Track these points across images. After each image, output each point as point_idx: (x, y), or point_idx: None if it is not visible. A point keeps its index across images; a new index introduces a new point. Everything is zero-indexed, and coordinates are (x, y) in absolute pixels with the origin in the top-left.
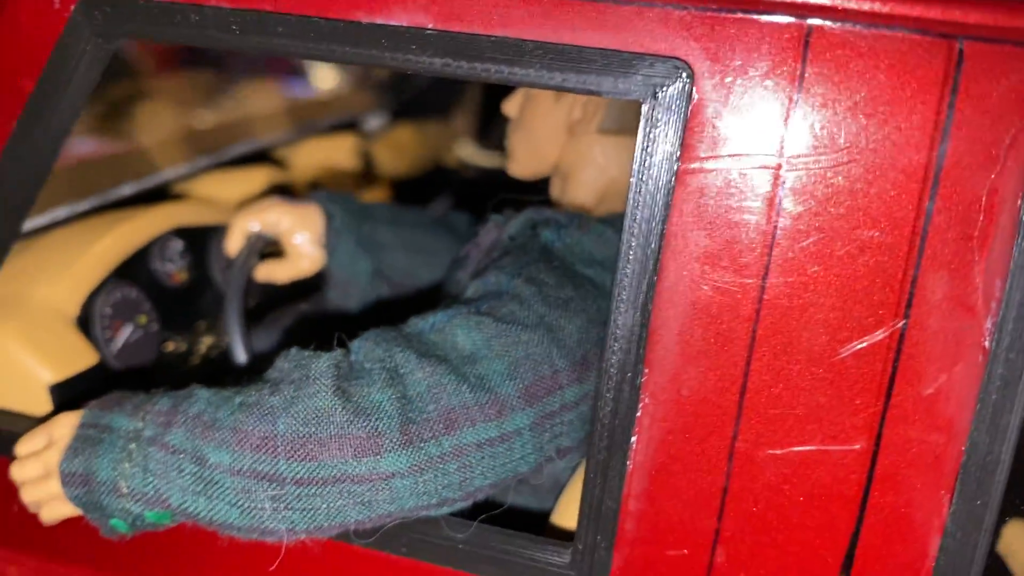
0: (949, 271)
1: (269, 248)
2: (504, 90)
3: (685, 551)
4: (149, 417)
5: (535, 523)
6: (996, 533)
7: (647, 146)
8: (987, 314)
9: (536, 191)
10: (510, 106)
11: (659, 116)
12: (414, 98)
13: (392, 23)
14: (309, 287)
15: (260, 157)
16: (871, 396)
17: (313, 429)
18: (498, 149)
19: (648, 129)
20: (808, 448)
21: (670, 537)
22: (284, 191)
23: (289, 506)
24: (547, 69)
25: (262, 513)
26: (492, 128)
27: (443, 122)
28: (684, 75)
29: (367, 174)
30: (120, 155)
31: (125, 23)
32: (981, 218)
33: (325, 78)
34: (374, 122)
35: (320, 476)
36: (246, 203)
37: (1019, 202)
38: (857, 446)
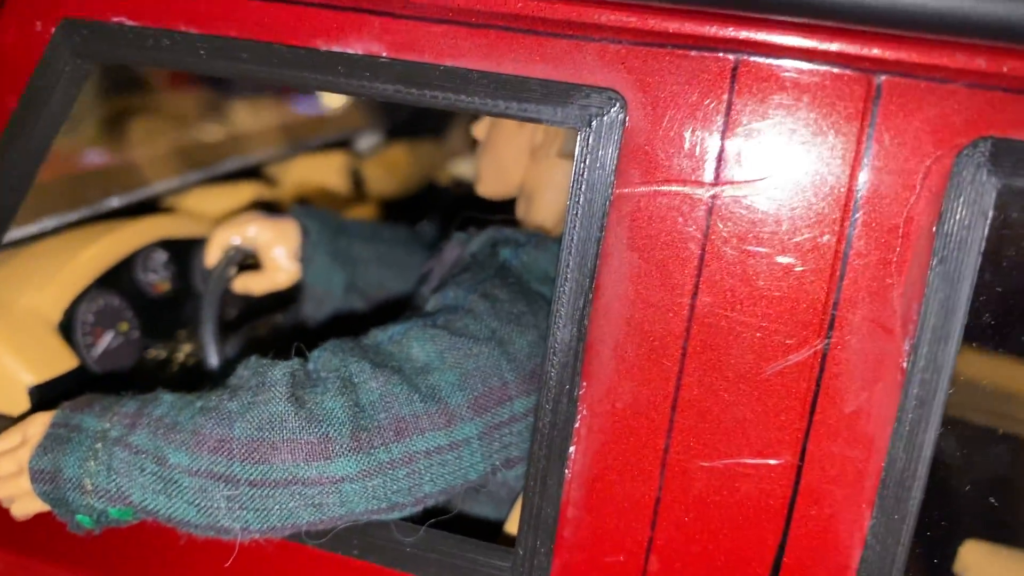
0: (869, 294)
1: (247, 261)
2: None
3: (620, 558)
4: (116, 419)
5: (495, 533)
6: (913, 546)
7: (582, 171)
8: (905, 336)
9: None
10: (478, 129)
11: (594, 143)
12: (410, 116)
13: (348, 51)
14: (285, 299)
15: (250, 174)
16: (796, 413)
17: (266, 434)
18: None
19: (584, 155)
20: (736, 461)
21: (606, 544)
22: (269, 207)
23: (243, 506)
24: (491, 97)
25: (217, 512)
26: None
27: (438, 140)
28: (618, 105)
29: (356, 192)
30: (114, 167)
31: (102, 45)
32: (899, 244)
33: (333, 98)
34: (368, 140)
35: (272, 478)
36: (228, 216)
37: (934, 229)
38: (782, 460)
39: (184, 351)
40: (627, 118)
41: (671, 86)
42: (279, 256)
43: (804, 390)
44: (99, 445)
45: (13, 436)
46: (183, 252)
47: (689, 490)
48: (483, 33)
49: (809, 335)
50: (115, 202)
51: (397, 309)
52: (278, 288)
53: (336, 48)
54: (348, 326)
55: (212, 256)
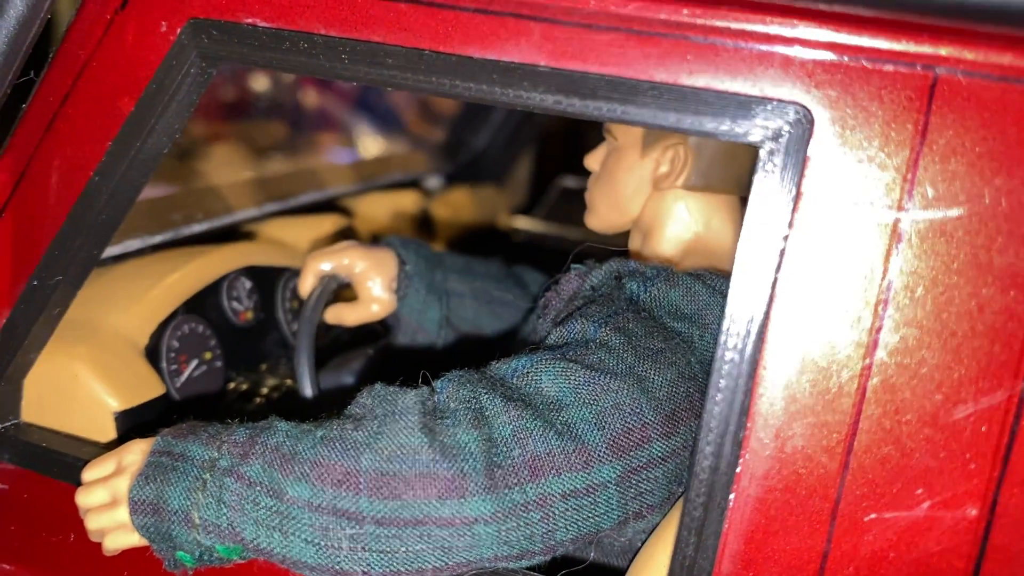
0: None
1: (341, 291)
2: (559, 165)
3: None
4: (225, 447)
5: None
6: None
7: (762, 191)
8: None
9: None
10: (592, 160)
11: (776, 161)
12: (468, 163)
13: (505, 59)
14: (375, 333)
15: (327, 206)
16: (987, 461)
17: (398, 466)
18: (549, 219)
19: (764, 174)
20: (916, 514)
21: None
22: (349, 236)
23: (367, 547)
24: (662, 109)
25: (338, 553)
26: (542, 198)
27: (496, 188)
28: (804, 120)
29: (426, 230)
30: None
31: (233, 47)
32: None
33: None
34: (432, 182)
35: (402, 516)
36: (319, 245)
37: None
38: (970, 513)
39: (268, 384)
40: (812, 135)
41: (862, 102)
42: (374, 286)
43: (997, 436)
44: (208, 475)
45: (107, 464)
46: (267, 281)
47: (861, 545)
48: (654, 42)
49: (1004, 376)
50: (196, 227)
51: (492, 347)
52: (372, 319)
53: (492, 56)
54: (442, 361)
55: (307, 284)
